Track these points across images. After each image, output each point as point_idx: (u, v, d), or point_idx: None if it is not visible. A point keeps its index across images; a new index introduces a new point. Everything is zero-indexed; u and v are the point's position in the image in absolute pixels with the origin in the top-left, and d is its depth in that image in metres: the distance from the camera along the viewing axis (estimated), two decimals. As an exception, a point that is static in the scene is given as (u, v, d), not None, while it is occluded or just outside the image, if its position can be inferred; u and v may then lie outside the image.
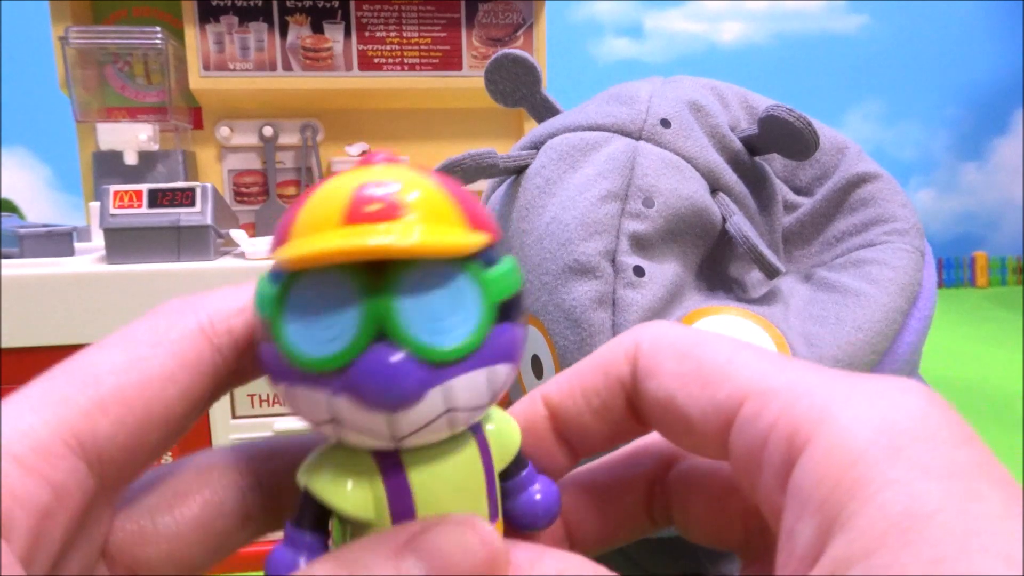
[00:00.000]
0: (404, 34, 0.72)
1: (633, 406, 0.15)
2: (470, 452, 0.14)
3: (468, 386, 0.13)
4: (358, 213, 0.12)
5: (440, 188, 0.13)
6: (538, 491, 0.16)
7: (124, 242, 0.38)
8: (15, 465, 0.11)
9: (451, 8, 0.72)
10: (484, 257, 0.14)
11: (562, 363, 0.27)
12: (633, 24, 1.63)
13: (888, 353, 0.28)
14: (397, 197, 0.13)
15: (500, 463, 0.15)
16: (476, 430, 0.15)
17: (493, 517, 0.15)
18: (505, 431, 0.15)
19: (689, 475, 0.16)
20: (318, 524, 0.14)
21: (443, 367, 0.13)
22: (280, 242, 0.13)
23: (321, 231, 0.12)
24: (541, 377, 0.29)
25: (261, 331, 0.13)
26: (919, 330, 0.30)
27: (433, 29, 0.72)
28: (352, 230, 0.12)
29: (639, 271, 0.27)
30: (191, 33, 0.68)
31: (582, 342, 0.26)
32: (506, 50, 0.32)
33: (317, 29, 0.71)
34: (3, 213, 0.50)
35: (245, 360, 0.14)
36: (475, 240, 0.13)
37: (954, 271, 1.66)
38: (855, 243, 0.32)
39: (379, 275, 0.13)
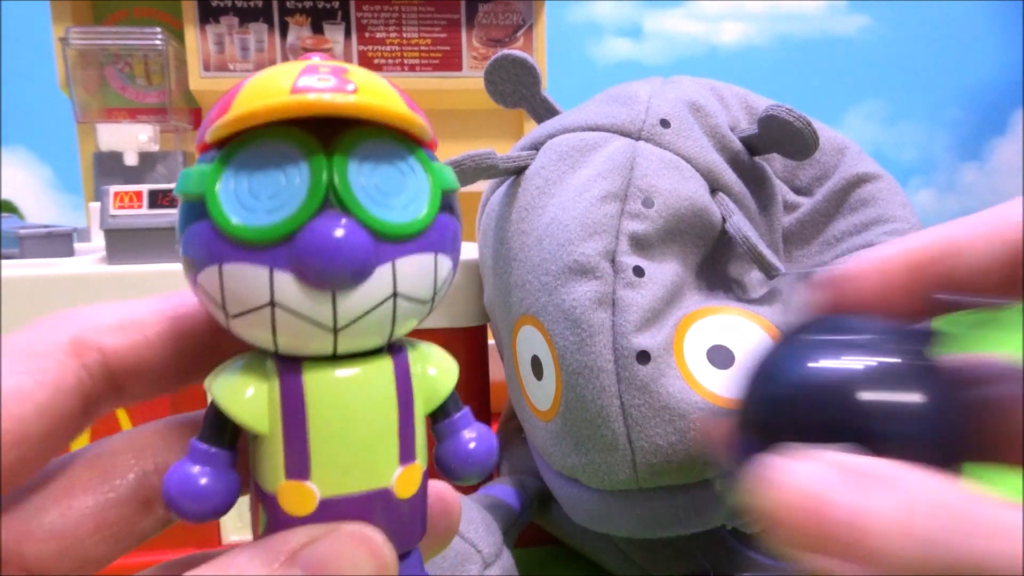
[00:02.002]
0: (404, 35, 0.72)
1: None
2: (382, 376, 0.13)
3: (415, 269, 0.13)
4: (308, 85, 0.12)
5: (382, 78, 0.13)
6: (472, 438, 0.14)
7: (124, 243, 0.38)
8: None
9: (451, 9, 0.72)
10: (427, 152, 0.14)
11: (562, 364, 0.27)
12: (633, 25, 1.63)
13: (888, 354, 0.28)
14: (347, 75, 0.12)
15: (428, 402, 0.14)
16: (397, 358, 0.14)
17: (406, 459, 0.13)
18: (439, 368, 0.14)
19: None
20: (221, 437, 0.13)
21: (393, 243, 0.12)
22: (219, 117, 0.12)
23: (269, 99, 0.12)
24: (541, 378, 0.29)
25: (188, 214, 0.12)
26: (919, 330, 0.30)
27: (433, 30, 0.72)
28: (303, 95, 0.12)
29: (639, 271, 0.27)
30: (191, 34, 0.68)
31: (582, 343, 0.26)
32: (506, 51, 0.32)
33: (317, 30, 0.71)
34: (3, 214, 0.50)
35: (121, 380, 0.14)
36: (423, 122, 0.13)
37: (954, 272, 1.66)
38: (855, 243, 0.32)
39: (330, 144, 0.12)
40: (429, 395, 0.14)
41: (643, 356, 0.26)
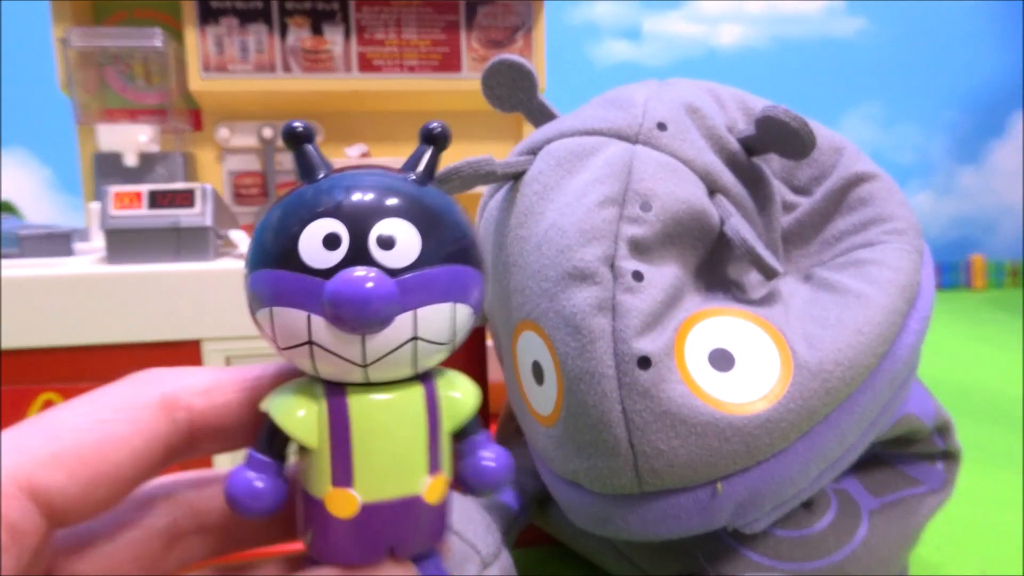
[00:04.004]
0: (403, 36, 0.72)
1: None
2: (414, 400, 0.15)
3: (434, 316, 0.15)
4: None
5: None
6: (490, 458, 0.17)
7: (124, 243, 0.38)
8: None
9: (450, 10, 0.73)
10: None
11: (563, 369, 0.27)
12: (632, 27, 1.63)
13: (887, 355, 0.29)
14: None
15: (451, 422, 0.16)
16: (428, 385, 0.16)
17: (433, 469, 0.16)
18: (463, 393, 0.16)
19: None
20: (275, 449, 0.15)
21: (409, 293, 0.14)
22: None
23: None
24: (542, 383, 0.29)
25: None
26: (918, 331, 0.30)
27: (432, 31, 0.73)
28: None
29: (638, 276, 0.27)
30: (191, 35, 0.68)
31: (583, 348, 0.26)
32: (502, 56, 0.32)
33: (317, 31, 0.71)
34: (3, 214, 0.50)
35: (199, 436, 0.16)
36: None
37: (951, 274, 1.66)
38: (854, 242, 0.32)
39: None
40: (453, 416, 0.16)
41: (644, 362, 0.26)
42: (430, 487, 0.16)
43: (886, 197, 0.32)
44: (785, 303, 0.30)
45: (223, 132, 0.74)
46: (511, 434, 0.41)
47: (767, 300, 0.30)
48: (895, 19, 1.70)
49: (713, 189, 0.30)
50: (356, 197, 0.14)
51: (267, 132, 0.74)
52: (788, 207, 0.34)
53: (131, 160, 0.66)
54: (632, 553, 0.34)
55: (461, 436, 0.16)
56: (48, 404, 0.36)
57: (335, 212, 0.14)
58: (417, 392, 0.15)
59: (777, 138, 0.30)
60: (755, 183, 0.32)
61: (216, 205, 0.41)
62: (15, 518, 0.13)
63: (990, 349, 0.97)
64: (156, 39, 0.66)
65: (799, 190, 0.35)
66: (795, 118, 0.29)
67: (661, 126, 0.30)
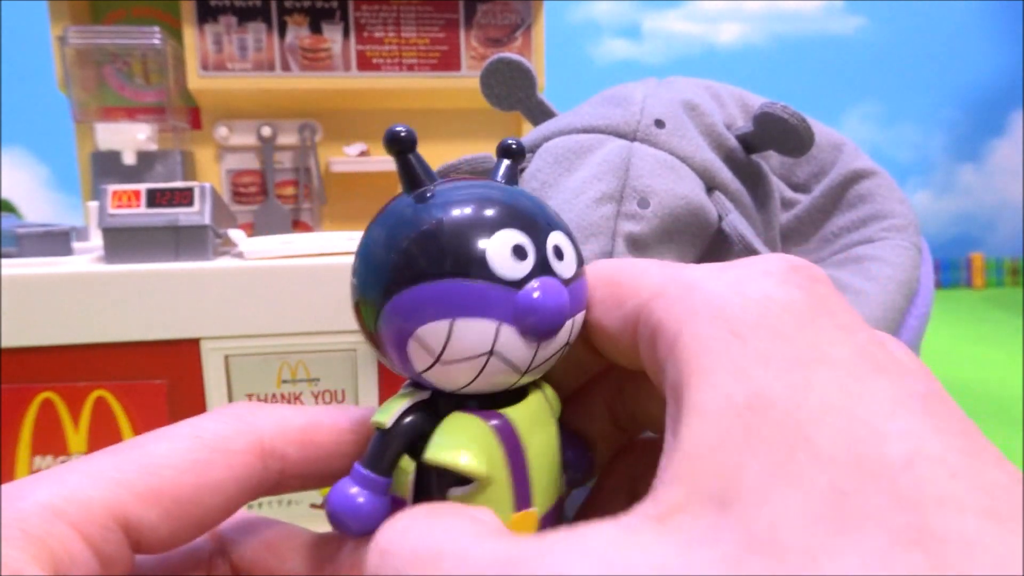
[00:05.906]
0: (402, 34, 0.72)
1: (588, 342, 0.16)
2: (545, 407, 0.15)
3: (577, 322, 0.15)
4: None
5: None
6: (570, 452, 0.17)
7: (122, 242, 0.38)
8: (74, 531, 0.13)
9: (449, 8, 0.73)
10: None
11: (559, 362, 0.27)
12: (631, 25, 1.63)
13: (885, 353, 0.29)
14: None
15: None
16: (540, 388, 0.16)
17: (563, 470, 0.16)
18: (554, 396, 0.16)
19: (641, 384, 0.17)
20: (383, 466, 0.15)
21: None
22: None
23: None
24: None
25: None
26: (916, 328, 0.30)
27: (431, 29, 0.73)
28: None
29: (635, 272, 0.27)
30: (190, 33, 0.68)
31: (580, 344, 0.26)
32: (501, 54, 0.32)
33: (316, 29, 0.71)
34: (1, 213, 0.50)
35: (288, 481, 0.16)
36: None
37: (951, 272, 1.66)
38: (853, 239, 0.32)
39: None
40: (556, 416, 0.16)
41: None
42: (566, 489, 0.16)
43: (885, 194, 0.32)
44: (784, 300, 0.30)
45: (222, 131, 0.74)
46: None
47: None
48: (894, 17, 1.70)
49: (711, 186, 0.30)
50: (525, 208, 0.14)
51: (266, 131, 0.74)
52: (787, 204, 0.34)
53: (129, 159, 0.66)
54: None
55: None
56: (47, 403, 0.36)
57: (518, 223, 0.14)
58: (541, 398, 0.15)
59: (775, 135, 0.30)
60: (754, 180, 0.32)
61: (215, 204, 0.41)
62: (109, 549, 0.13)
63: (990, 348, 0.97)
64: (154, 37, 0.66)
65: (798, 187, 0.35)
66: (793, 115, 0.29)
67: (659, 123, 0.30)
